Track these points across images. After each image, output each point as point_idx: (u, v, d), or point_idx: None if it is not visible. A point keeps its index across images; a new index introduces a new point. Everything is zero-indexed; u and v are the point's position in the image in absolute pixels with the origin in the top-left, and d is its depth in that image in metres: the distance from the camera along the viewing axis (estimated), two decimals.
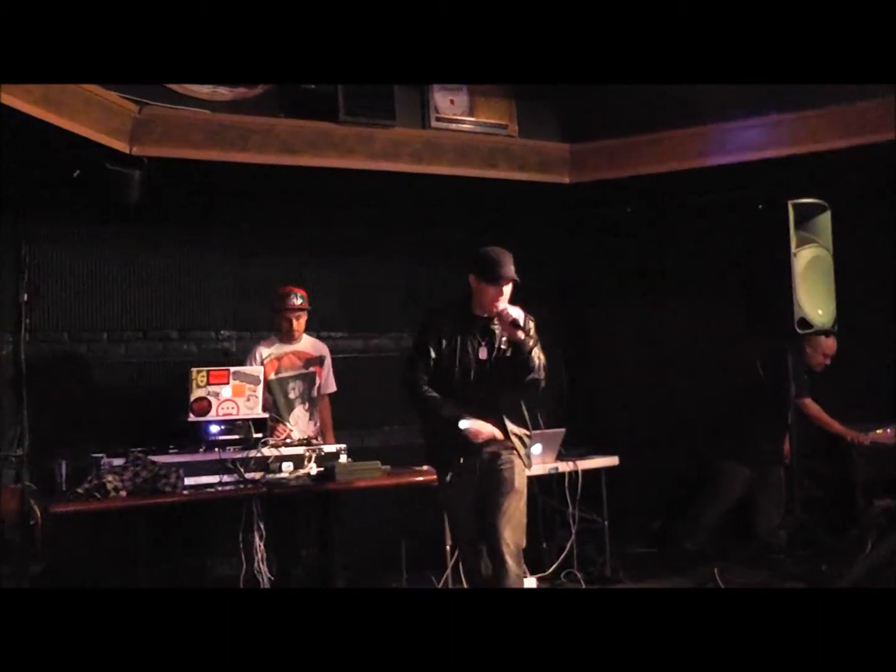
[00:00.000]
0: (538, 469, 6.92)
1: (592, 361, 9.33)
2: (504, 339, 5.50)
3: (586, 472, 7.24)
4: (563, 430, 7.17)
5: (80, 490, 5.72)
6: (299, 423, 7.16)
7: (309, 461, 6.46)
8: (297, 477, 6.36)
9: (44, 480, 6.05)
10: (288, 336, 7.19)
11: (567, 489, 7.15)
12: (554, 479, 7.22)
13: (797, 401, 7.43)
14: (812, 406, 7.67)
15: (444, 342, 5.48)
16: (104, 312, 7.56)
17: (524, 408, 5.65)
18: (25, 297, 6.83)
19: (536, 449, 6.84)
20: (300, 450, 6.51)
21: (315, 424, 7.27)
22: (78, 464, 6.02)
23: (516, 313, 5.40)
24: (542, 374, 5.50)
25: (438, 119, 7.92)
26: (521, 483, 5.54)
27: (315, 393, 7.29)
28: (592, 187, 8.38)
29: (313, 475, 6.40)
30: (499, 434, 5.45)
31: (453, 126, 7.99)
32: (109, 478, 5.78)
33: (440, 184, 7.99)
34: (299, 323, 7.16)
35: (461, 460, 5.46)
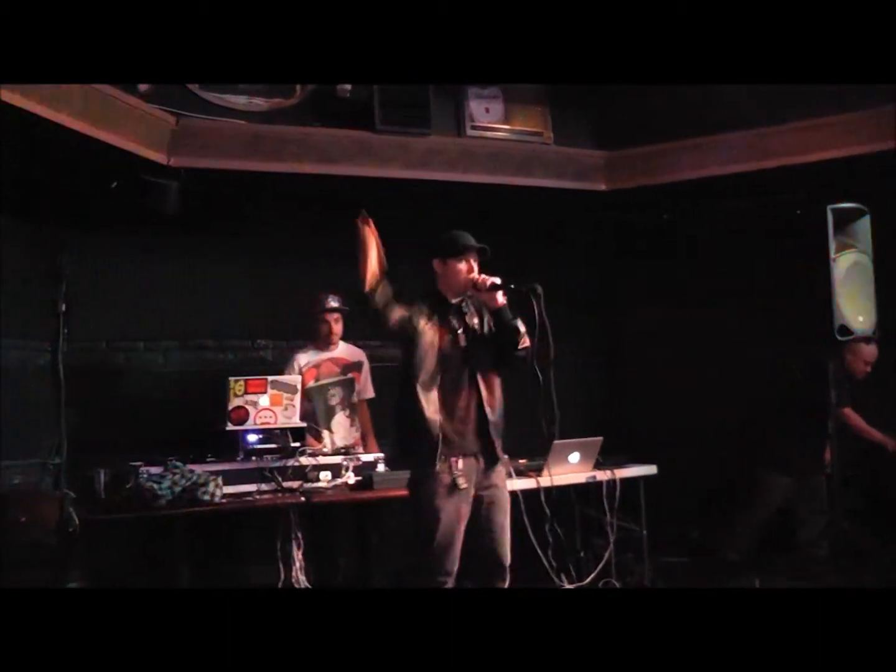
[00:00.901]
0: (575, 477, 6.93)
1: (630, 369, 9.27)
2: (476, 320, 5.44)
3: (624, 480, 7.17)
4: (600, 438, 7.10)
5: (118, 498, 5.77)
6: (340, 429, 7.18)
7: (347, 470, 6.45)
8: (335, 486, 6.36)
9: (83, 488, 6.02)
10: (326, 341, 7.20)
11: (605, 498, 7.09)
12: (591, 487, 7.14)
13: (838, 410, 7.33)
14: (852, 416, 7.58)
15: (419, 334, 5.31)
16: (141, 322, 7.60)
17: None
18: (63, 306, 6.82)
19: (574, 457, 6.86)
20: (338, 459, 6.51)
21: (357, 430, 7.27)
22: (116, 472, 6.01)
23: (494, 278, 5.32)
24: (527, 342, 5.35)
25: (473, 127, 7.90)
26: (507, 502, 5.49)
27: (355, 398, 7.28)
28: (628, 194, 8.32)
29: (351, 484, 6.40)
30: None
31: (488, 134, 7.97)
32: (148, 486, 5.77)
33: (475, 192, 7.98)
34: (338, 326, 7.18)
35: (459, 465, 5.25)
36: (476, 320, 5.46)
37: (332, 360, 7.27)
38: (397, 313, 5.25)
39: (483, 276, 5.34)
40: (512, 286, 5.34)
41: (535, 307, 5.30)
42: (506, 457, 5.67)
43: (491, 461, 5.38)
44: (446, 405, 5.26)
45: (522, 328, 5.36)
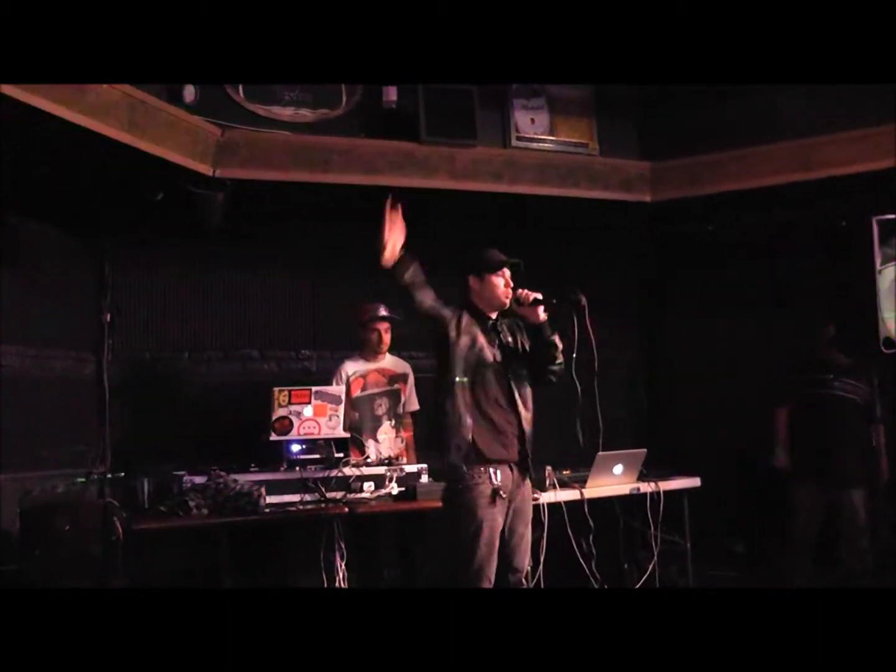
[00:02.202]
0: (619, 489, 6.87)
1: (674, 381, 9.19)
2: (509, 339, 5.44)
3: (668, 493, 7.06)
4: (644, 450, 7.03)
5: (162, 507, 5.78)
6: (386, 439, 7.16)
7: (390, 481, 6.44)
8: (379, 497, 6.33)
9: (127, 497, 6.06)
10: (375, 350, 7.19)
11: (649, 510, 6.99)
12: (635, 499, 7.05)
13: (881, 422, 7.24)
14: None
15: (461, 344, 5.29)
16: (185, 332, 7.63)
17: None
18: (108, 316, 6.87)
19: (618, 469, 6.80)
20: (381, 469, 6.49)
21: (401, 441, 7.25)
22: (160, 482, 6.05)
23: (535, 293, 5.32)
24: (562, 359, 5.37)
25: (519, 138, 7.86)
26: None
27: (401, 410, 7.27)
28: (673, 205, 8.25)
29: (395, 495, 6.37)
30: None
31: (534, 145, 7.93)
32: (191, 496, 5.79)
33: (521, 203, 7.94)
34: (387, 336, 7.16)
35: (498, 475, 5.22)
36: (510, 339, 5.47)
37: (378, 370, 7.25)
38: (429, 299, 5.25)
39: (525, 290, 5.34)
40: (554, 301, 5.34)
41: (578, 319, 5.32)
42: (549, 468, 5.63)
43: (524, 473, 5.39)
44: (484, 416, 5.26)
45: (560, 344, 5.37)
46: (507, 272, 5.38)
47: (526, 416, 5.37)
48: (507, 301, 5.38)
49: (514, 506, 5.32)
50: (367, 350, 7.22)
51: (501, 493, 5.18)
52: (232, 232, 7.15)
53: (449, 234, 8.00)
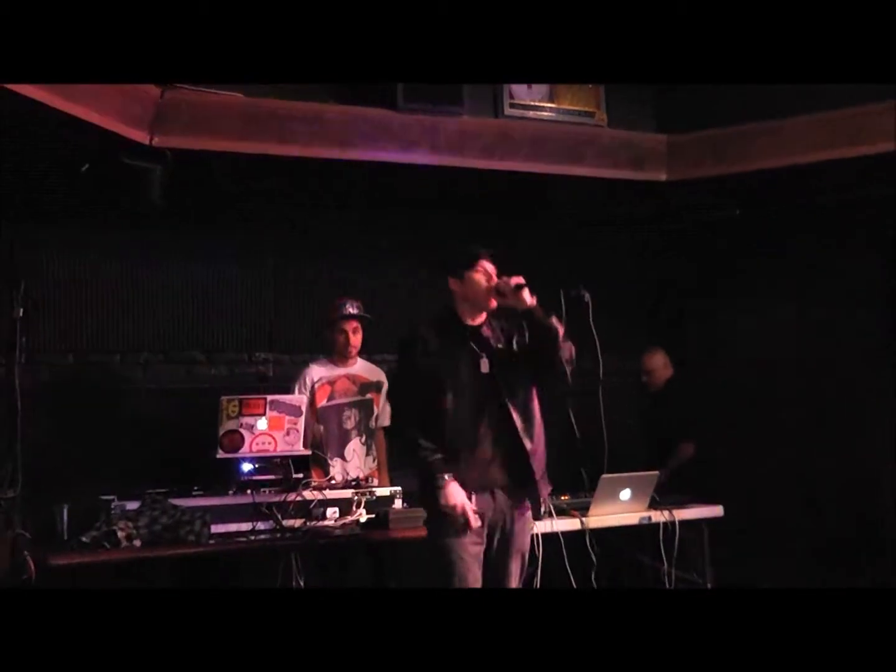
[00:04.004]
0: (627, 518, 6.81)
1: (690, 393, 9.13)
2: (501, 344, 5.48)
3: (684, 523, 6.98)
4: (656, 472, 6.99)
5: (85, 539, 5.62)
6: (355, 457, 7.18)
7: (358, 506, 6.38)
8: (344, 525, 6.27)
9: (41, 528, 5.94)
10: (342, 354, 7.21)
11: (662, 543, 6.90)
12: (646, 530, 6.97)
13: None
14: None
15: (433, 363, 5.40)
16: (117, 330, 7.64)
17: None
18: (21, 311, 6.80)
19: (625, 494, 6.75)
20: (348, 493, 6.43)
21: (373, 460, 7.28)
22: (83, 508, 5.93)
23: (515, 278, 5.37)
24: (570, 352, 5.42)
25: (513, 106, 7.75)
26: (527, 543, 5.57)
27: (373, 424, 7.29)
28: (693, 185, 8.20)
29: (363, 522, 6.32)
30: (474, 519, 5.24)
31: (531, 114, 7.82)
32: (121, 524, 5.67)
33: (515, 181, 7.91)
34: (356, 338, 7.19)
35: (472, 501, 5.27)
36: (502, 344, 5.52)
37: (348, 377, 7.27)
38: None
39: (504, 277, 5.41)
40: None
41: (561, 317, 5.47)
42: (550, 487, 5.66)
43: (518, 498, 5.41)
44: (462, 437, 5.30)
45: (560, 328, 5.38)
46: (488, 264, 5.46)
47: (527, 429, 5.41)
48: (492, 297, 5.44)
49: (502, 536, 5.36)
50: (335, 353, 7.24)
51: (473, 522, 5.22)
52: (173, 213, 7.12)
53: (430, 218, 7.98)
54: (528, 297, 5.33)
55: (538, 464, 5.43)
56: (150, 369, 7.69)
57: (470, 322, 5.52)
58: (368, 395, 7.28)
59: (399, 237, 8.22)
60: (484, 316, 5.53)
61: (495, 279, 5.42)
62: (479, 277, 5.42)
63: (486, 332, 5.51)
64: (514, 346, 5.50)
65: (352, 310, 7.13)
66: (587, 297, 5.60)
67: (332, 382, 7.19)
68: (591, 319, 5.84)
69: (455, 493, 5.20)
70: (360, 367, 7.32)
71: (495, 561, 5.34)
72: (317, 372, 7.17)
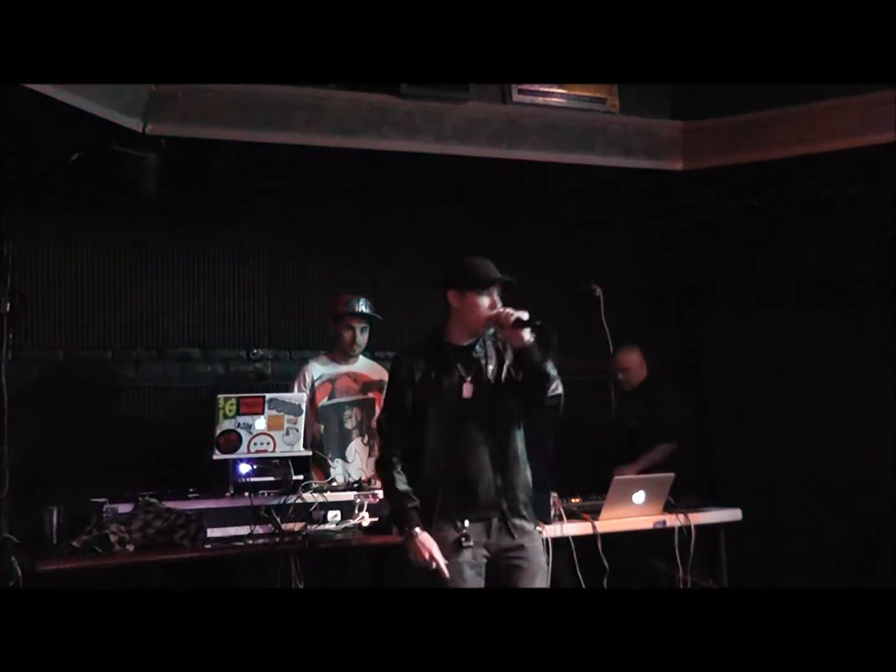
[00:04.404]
0: (640, 522, 6.79)
1: (710, 390, 9.15)
2: (492, 367, 5.37)
3: (701, 527, 6.97)
4: (671, 474, 6.94)
5: (75, 543, 5.59)
6: (357, 458, 7.20)
7: (360, 509, 6.37)
8: (346, 528, 6.27)
9: (30, 531, 5.91)
10: (346, 351, 7.23)
11: (677, 548, 6.86)
12: (660, 535, 6.94)
13: None
14: None
15: (417, 389, 5.33)
16: (109, 326, 7.64)
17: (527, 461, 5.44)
18: (8, 306, 6.78)
19: (639, 497, 6.72)
20: (350, 495, 6.43)
21: (374, 461, 7.14)
22: (74, 511, 5.92)
23: (518, 311, 5.21)
24: (560, 390, 5.31)
25: (521, 92, 7.74)
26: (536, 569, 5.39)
27: (375, 423, 7.15)
28: (711, 175, 8.16)
29: (366, 526, 6.29)
30: (444, 571, 5.13)
31: (539, 100, 7.80)
32: (113, 528, 5.66)
33: (522, 171, 7.87)
34: (363, 336, 7.22)
35: (464, 527, 5.20)
36: (493, 366, 5.39)
37: (350, 375, 7.29)
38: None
39: (507, 310, 5.24)
40: (538, 322, 5.22)
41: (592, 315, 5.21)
42: (554, 495, 5.73)
43: (510, 525, 5.29)
44: (441, 464, 5.24)
45: (553, 371, 5.26)
46: (495, 290, 5.33)
47: (501, 461, 5.31)
48: (488, 325, 5.33)
49: (508, 562, 5.27)
50: (337, 350, 7.24)
51: (465, 542, 5.15)
52: (167, 203, 7.16)
53: (434, 209, 7.95)
54: (526, 336, 5.19)
55: (513, 496, 5.30)
56: (144, 366, 7.69)
57: (459, 341, 5.41)
58: (370, 394, 7.28)
59: (402, 230, 8.19)
60: (470, 338, 5.40)
61: (498, 308, 5.27)
62: (482, 302, 5.29)
63: (476, 352, 5.40)
64: (505, 372, 5.39)
65: (364, 308, 7.14)
66: (599, 291, 5.55)
67: (332, 380, 7.19)
68: (602, 315, 5.78)
69: (421, 548, 5.12)
70: (362, 365, 7.32)
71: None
72: (317, 369, 7.17)
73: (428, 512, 5.20)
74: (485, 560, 5.20)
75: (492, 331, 5.35)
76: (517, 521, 5.29)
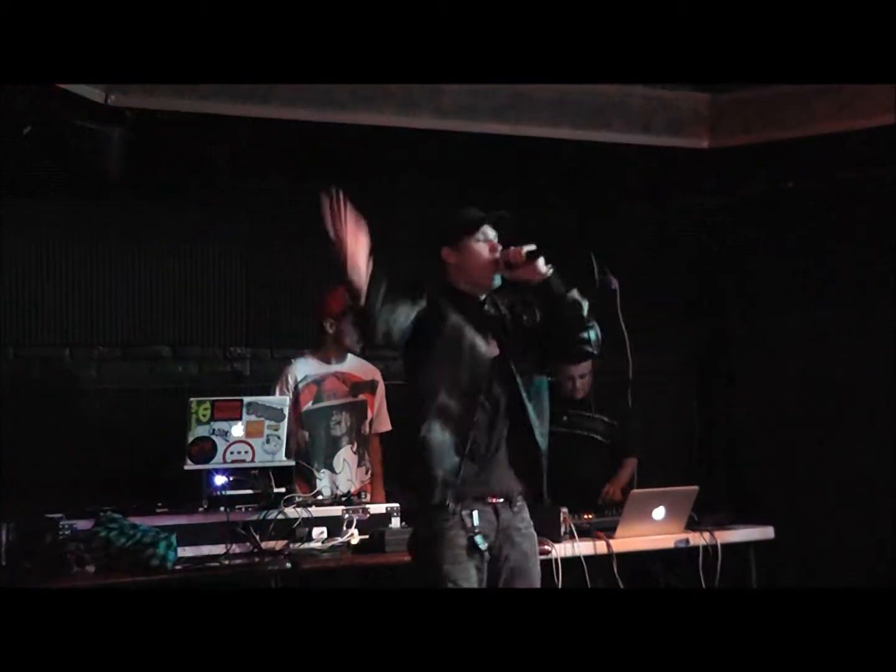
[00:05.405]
0: (661, 541, 6.79)
1: (737, 392, 9.14)
2: (508, 321, 5.29)
3: (728, 546, 6.98)
4: (695, 487, 6.95)
5: (28, 564, 5.59)
6: (346, 469, 7.20)
7: (349, 525, 6.36)
8: (333, 547, 6.26)
9: None
10: (335, 351, 7.20)
11: (701, 570, 6.86)
12: (683, 554, 6.96)
13: None
14: None
15: (441, 346, 5.15)
16: (67, 321, 7.63)
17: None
18: None
19: (659, 513, 6.73)
20: (337, 510, 6.42)
21: (367, 472, 7.30)
22: (26, 528, 5.87)
23: (527, 246, 5.11)
24: (597, 333, 5.19)
25: None
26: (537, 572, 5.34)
27: (366, 429, 7.30)
28: (740, 153, 8.19)
29: (355, 545, 6.29)
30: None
31: None
32: (72, 546, 5.62)
33: (530, 149, 7.88)
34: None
35: (474, 518, 5.06)
36: (510, 322, 5.31)
37: (338, 375, 7.27)
38: (401, 318, 5.12)
39: (512, 247, 5.15)
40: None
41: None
42: (564, 510, 5.83)
43: (523, 501, 5.24)
44: (464, 436, 5.08)
45: (583, 301, 5.15)
46: (490, 231, 5.25)
47: (542, 425, 5.24)
48: (497, 271, 5.21)
49: (509, 565, 5.18)
50: (329, 349, 7.22)
51: (480, 543, 5.05)
52: (134, 184, 7.16)
53: (433, 192, 7.92)
54: (542, 267, 5.08)
55: (544, 465, 5.24)
56: (107, 366, 7.67)
57: (471, 291, 5.28)
58: (361, 397, 7.26)
59: (396, 215, 8.16)
60: (486, 291, 5.29)
61: (500, 249, 5.19)
62: (481, 246, 5.18)
63: (489, 310, 5.30)
64: (525, 325, 5.31)
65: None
66: (615, 283, 5.49)
67: (319, 382, 7.18)
68: (619, 309, 5.72)
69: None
70: (352, 364, 7.30)
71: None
72: (301, 369, 7.15)
73: (440, 496, 5.03)
74: (494, 562, 5.13)
75: (499, 283, 5.25)
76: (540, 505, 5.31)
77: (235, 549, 6.03)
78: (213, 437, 6.35)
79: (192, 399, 6.44)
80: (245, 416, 6.44)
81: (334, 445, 7.18)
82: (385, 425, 7.35)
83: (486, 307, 5.29)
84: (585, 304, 5.13)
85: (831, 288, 8.67)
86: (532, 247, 5.09)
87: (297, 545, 6.14)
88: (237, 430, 6.39)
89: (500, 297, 5.33)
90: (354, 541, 6.28)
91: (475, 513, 5.05)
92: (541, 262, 5.07)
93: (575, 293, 5.14)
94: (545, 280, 5.12)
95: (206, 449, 6.33)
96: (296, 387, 7.06)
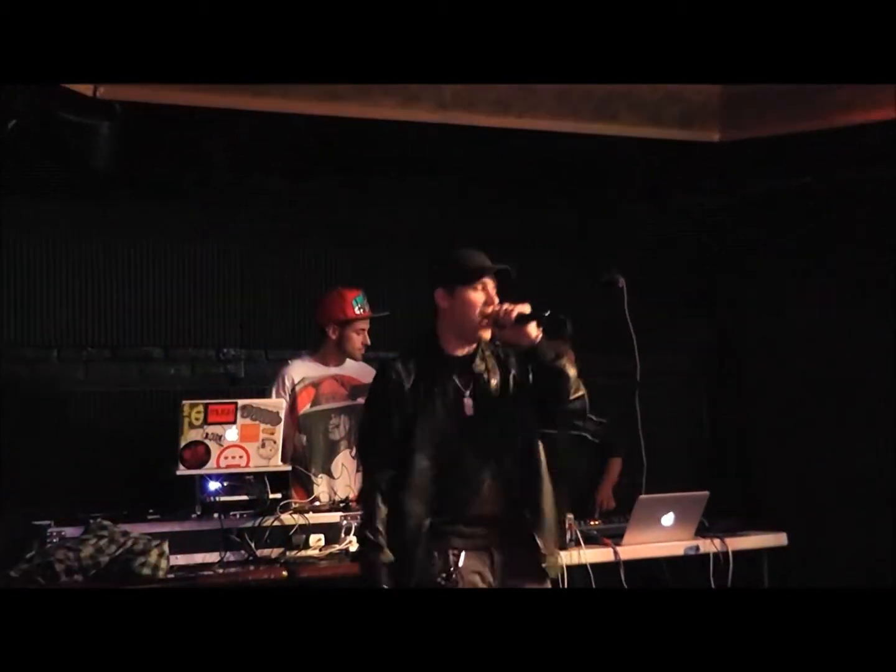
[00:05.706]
0: (670, 548, 6.78)
1: (748, 394, 9.11)
2: (495, 381, 5.19)
3: (740, 553, 6.94)
4: (706, 493, 6.91)
5: (13, 573, 5.55)
6: (344, 474, 7.20)
7: (348, 532, 6.33)
8: (331, 555, 6.25)
9: None
10: (335, 355, 7.19)
11: (712, 578, 6.82)
12: (693, 562, 6.92)
13: None
14: None
15: (406, 406, 5.12)
16: (54, 321, 7.63)
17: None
18: None
19: (668, 519, 6.70)
20: (335, 517, 6.41)
21: None
22: (12, 535, 5.89)
23: (520, 306, 5.03)
24: (582, 390, 5.12)
25: None
26: None
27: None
28: (752, 147, 8.17)
29: (353, 552, 6.16)
30: None
31: None
32: (59, 555, 5.59)
33: (534, 143, 7.86)
34: (367, 337, 7.21)
35: (460, 558, 5.00)
36: (496, 380, 5.21)
37: (336, 377, 7.26)
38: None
39: (505, 305, 5.08)
40: (547, 314, 5.06)
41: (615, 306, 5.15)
42: (570, 517, 5.90)
43: (516, 554, 5.13)
44: (443, 496, 5.05)
45: (571, 372, 5.10)
46: (489, 283, 5.16)
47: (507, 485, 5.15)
48: (486, 326, 5.14)
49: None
50: (329, 352, 7.20)
51: (458, 580, 4.99)
52: (123, 180, 7.15)
53: (432, 188, 7.89)
54: (533, 331, 5.02)
55: (540, 533, 5.12)
56: (95, 368, 7.67)
57: (454, 351, 5.21)
58: (360, 399, 7.07)
59: (396, 212, 8.14)
60: (474, 345, 5.20)
61: (495, 304, 5.10)
62: (476, 298, 5.08)
63: (477, 364, 5.20)
64: (512, 382, 5.21)
65: (366, 306, 7.12)
66: (622, 282, 5.46)
67: (316, 384, 7.18)
68: (626, 309, 5.68)
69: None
70: (350, 367, 7.27)
71: None
72: (298, 371, 7.13)
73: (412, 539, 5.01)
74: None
75: (488, 336, 5.17)
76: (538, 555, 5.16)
77: (230, 557, 6.03)
78: (207, 442, 6.33)
79: (184, 402, 6.42)
80: (239, 420, 6.42)
81: (332, 450, 7.18)
82: None
83: (473, 363, 5.20)
84: (573, 375, 5.08)
85: (831, 288, 8.66)
86: (526, 309, 5.02)
87: (293, 553, 6.14)
88: (231, 433, 6.36)
89: (488, 353, 5.24)
90: (352, 548, 6.19)
91: (462, 554, 5.01)
92: (532, 326, 5.02)
93: (563, 362, 5.08)
94: (534, 346, 5.06)
95: (199, 453, 6.31)
96: (293, 389, 7.05)
